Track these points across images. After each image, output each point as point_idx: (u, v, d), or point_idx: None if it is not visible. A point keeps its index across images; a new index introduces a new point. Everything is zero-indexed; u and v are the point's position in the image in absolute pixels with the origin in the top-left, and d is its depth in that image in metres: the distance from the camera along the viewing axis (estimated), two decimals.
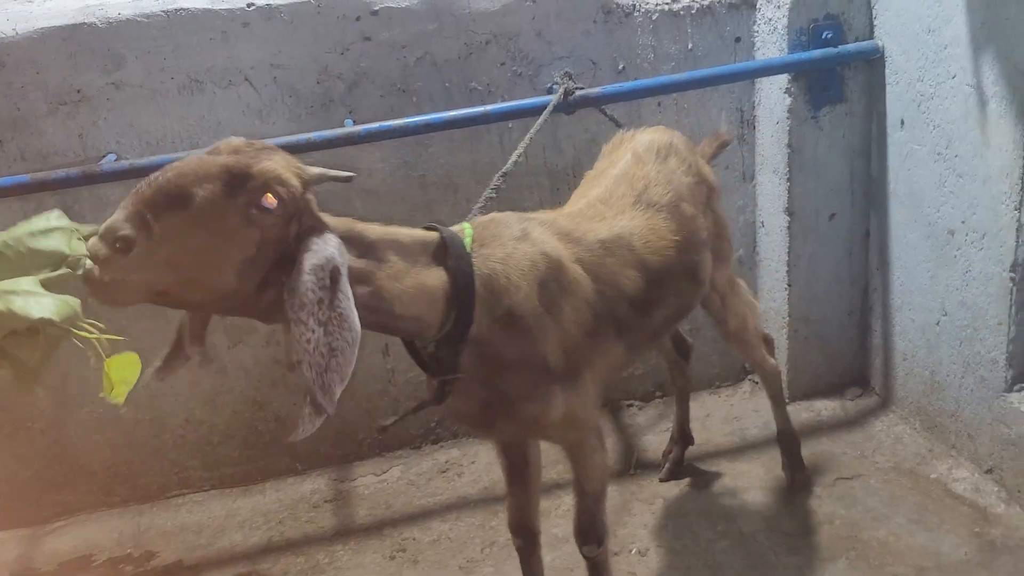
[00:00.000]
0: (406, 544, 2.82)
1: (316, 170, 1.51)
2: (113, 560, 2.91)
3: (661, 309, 2.12)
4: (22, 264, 1.28)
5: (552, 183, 3.05)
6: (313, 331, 1.42)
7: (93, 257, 1.31)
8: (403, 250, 1.68)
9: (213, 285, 1.42)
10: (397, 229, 1.71)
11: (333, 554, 2.82)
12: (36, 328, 1.32)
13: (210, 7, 2.70)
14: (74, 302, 1.27)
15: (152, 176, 1.37)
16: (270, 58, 2.77)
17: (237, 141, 1.46)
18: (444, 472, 3.17)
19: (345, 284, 1.47)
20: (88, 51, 2.68)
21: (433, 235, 1.75)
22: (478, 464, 3.16)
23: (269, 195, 1.40)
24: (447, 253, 1.72)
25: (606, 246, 2.00)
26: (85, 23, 2.66)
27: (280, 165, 1.43)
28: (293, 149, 2.62)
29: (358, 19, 2.78)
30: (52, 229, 1.31)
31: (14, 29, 2.64)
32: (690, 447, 3.01)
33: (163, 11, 2.68)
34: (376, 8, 2.78)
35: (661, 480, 2.96)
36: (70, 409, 2.99)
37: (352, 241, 1.60)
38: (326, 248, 1.46)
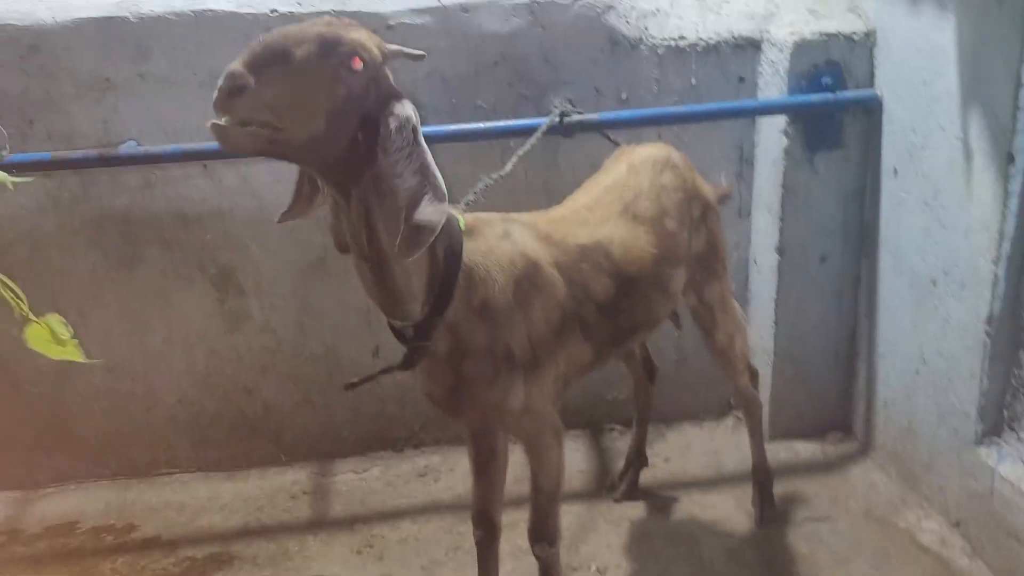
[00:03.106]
0: (374, 541, 2.89)
1: (393, 47, 1.75)
2: (96, 529, 3.03)
3: (629, 316, 2.22)
4: None
5: (549, 202, 3.08)
6: (409, 181, 1.66)
7: (220, 95, 1.52)
8: None
9: (308, 129, 1.61)
10: None
11: (303, 543, 2.90)
12: None
13: (235, 10, 2.85)
14: None
15: (260, 37, 1.60)
16: None
17: (329, 17, 1.72)
18: (422, 476, 3.24)
19: (421, 138, 1.70)
20: (119, 42, 2.84)
21: None
22: (456, 472, 3.23)
23: (356, 59, 1.61)
24: (442, 230, 1.83)
25: (584, 251, 2.12)
26: (118, 16, 2.82)
27: (365, 36, 1.67)
28: None
29: (374, 31, 2.89)
30: None
31: (53, 17, 2.81)
32: (663, 474, 3.05)
33: (191, 11, 2.84)
34: (392, 23, 2.91)
35: (615, 500, 3.00)
36: (70, 376, 3.13)
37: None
38: (405, 110, 1.68)
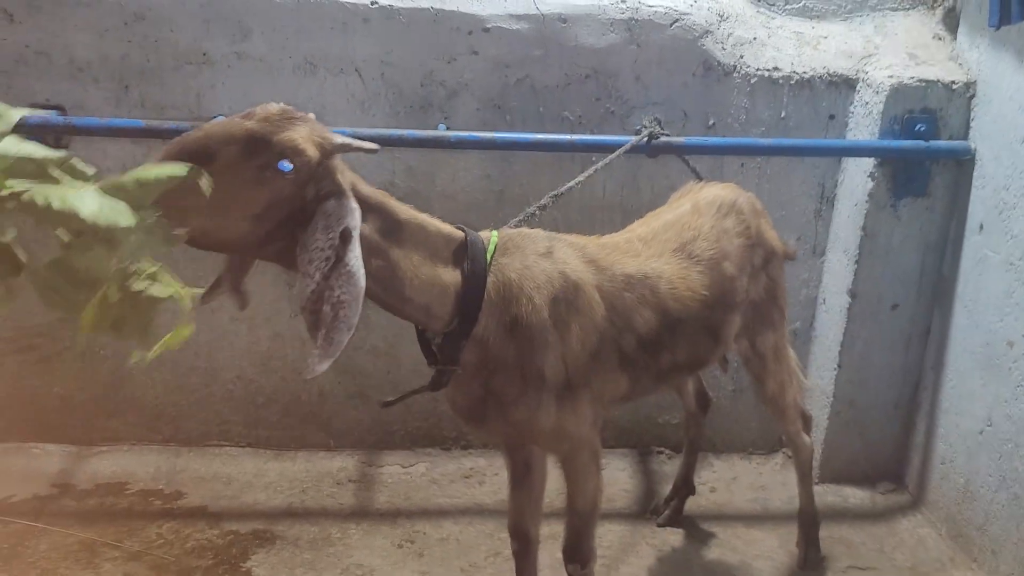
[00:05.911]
0: (416, 537, 2.90)
1: (340, 139, 1.66)
2: (145, 492, 3.08)
3: (670, 355, 2.17)
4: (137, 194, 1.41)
5: (624, 221, 3.06)
6: (317, 284, 1.59)
7: None
8: (427, 239, 1.82)
9: (229, 230, 1.59)
10: (428, 218, 1.85)
11: (345, 531, 2.92)
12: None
13: None
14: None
15: (184, 134, 1.54)
16: (381, 55, 2.94)
17: (273, 108, 1.61)
18: (467, 477, 3.25)
19: (355, 244, 1.62)
20: (221, 19, 2.89)
21: (459, 234, 1.88)
22: (501, 477, 3.23)
23: (285, 160, 1.55)
24: (466, 255, 1.85)
25: (629, 281, 2.08)
26: None
27: (301, 136, 1.58)
28: (386, 142, 2.78)
29: (470, 33, 2.93)
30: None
31: None
32: (708, 504, 3.02)
33: None
34: (488, 26, 2.92)
35: (659, 525, 2.99)
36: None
37: (380, 214, 1.74)
38: (338, 211, 1.61)
